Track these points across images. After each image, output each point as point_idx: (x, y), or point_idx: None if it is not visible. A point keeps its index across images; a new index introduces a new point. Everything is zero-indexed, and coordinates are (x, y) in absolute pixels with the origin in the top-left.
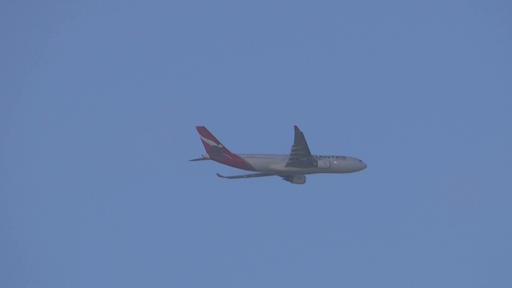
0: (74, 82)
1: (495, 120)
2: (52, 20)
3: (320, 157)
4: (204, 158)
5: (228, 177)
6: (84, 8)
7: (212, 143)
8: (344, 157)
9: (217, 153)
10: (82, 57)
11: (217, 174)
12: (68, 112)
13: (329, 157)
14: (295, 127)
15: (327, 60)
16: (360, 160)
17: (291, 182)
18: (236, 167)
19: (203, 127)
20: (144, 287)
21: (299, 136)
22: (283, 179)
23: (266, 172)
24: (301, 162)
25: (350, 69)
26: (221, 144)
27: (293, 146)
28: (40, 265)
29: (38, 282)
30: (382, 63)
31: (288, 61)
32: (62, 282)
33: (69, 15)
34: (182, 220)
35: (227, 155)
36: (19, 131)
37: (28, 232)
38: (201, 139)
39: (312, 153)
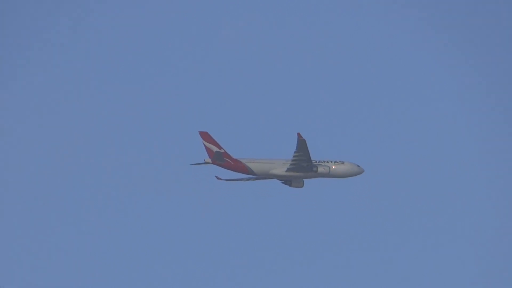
0: (76, 85)
1: (491, 125)
2: (56, 20)
3: (319, 162)
4: (206, 163)
5: (227, 180)
6: (88, 11)
7: (214, 148)
8: (342, 162)
9: (220, 158)
10: (85, 60)
11: (216, 177)
12: (70, 115)
13: (327, 162)
14: (298, 134)
15: (327, 66)
16: (358, 165)
17: (290, 186)
18: (237, 171)
19: (206, 132)
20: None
21: (301, 143)
22: (282, 182)
23: (267, 176)
24: (302, 167)
25: (348, 75)
26: (222, 149)
27: (295, 152)
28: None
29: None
30: (380, 69)
31: (288, 66)
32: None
33: (74, 15)
34: (181, 222)
35: (228, 160)
36: (19, 134)
37: (30, 235)
38: (204, 144)
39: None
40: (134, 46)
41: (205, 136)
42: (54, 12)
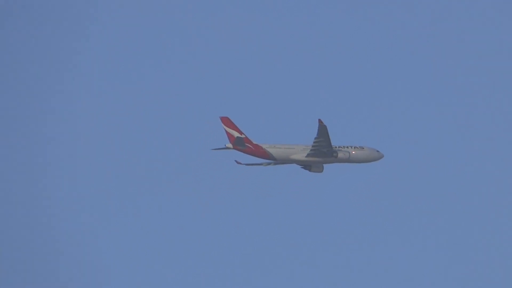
0: (96, 74)
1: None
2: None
3: (339, 147)
4: (227, 148)
5: (246, 164)
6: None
7: (235, 133)
8: (362, 147)
9: (241, 143)
10: (107, 45)
11: (236, 161)
12: (93, 102)
13: (347, 147)
14: (319, 120)
15: (347, 53)
16: (378, 150)
17: (309, 171)
18: (258, 156)
19: (227, 118)
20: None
21: (322, 129)
22: (302, 167)
23: (287, 161)
24: (322, 153)
25: (367, 61)
26: (243, 134)
27: (315, 138)
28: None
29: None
30: (401, 54)
31: (309, 53)
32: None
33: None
34: (200, 206)
35: (249, 145)
36: (35, 132)
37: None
38: (225, 129)
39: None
40: (155, 32)
41: (226, 121)
42: (55, 11)
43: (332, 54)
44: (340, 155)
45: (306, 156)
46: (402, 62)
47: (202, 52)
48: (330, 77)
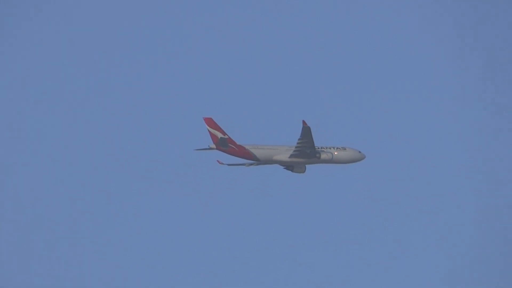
0: (83, 73)
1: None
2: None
3: (322, 148)
4: (210, 148)
5: (229, 165)
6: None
7: (219, 134)
8: (344, 148)
9: (224, 144)
10: (89, 46)
11: (218, 161)
12: (78, 105)
13: (330, 148)
14: (303, 121)
15: (329, 54)
16: (360, 151)
17: (292, 171)
18: (241, 157)
19: (210, 118)
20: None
21: (306, 131)
22: (284, 168)
23: (269, 162)
24: (305, 153)
25: (349, 63)
26: (227, 135)
27: (299, 139)
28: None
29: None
30: (383, 57)
31: (292, 55)
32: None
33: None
34: (184, 206)
35: (232, 146)
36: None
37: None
38: (208, 130)
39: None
40: (140, 33)
41: (209, 122)
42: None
43: (316, 54)
44: (323, 156)
45: (289, 157)
46: (386, 63)
47: (187, 53)
48: (311, 78)
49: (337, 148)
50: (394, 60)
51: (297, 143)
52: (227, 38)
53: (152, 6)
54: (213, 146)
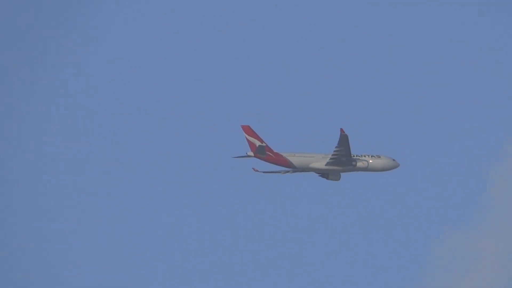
0: (122, 79)
1: None
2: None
3: (356, 156)
4: (248, 156)
5: (264, 172)
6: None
7: (257, 142)
8: (379, 156)
9: (262, 151)
10: (131, 51)
11: (253, 169)
12: (119, 109)
13: (364, 156)
14: (341, 129)
15: (368, 64)
16: (394, 159)
17: (327, 179)
18: (278, 164)
19: (248, 126)
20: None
21: (343, 139)
22: (319, 175)
23: (305, 169)
24: (341, 161)
25: (387, 71)
26: (264, 143)
27: (336, 147)
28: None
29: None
30: (420, 62)
31: (330, 63)
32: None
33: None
34: (220, 213)
35: (270, 154)
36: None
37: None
38: (246, 138)
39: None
40: (178, 39)
41: (247, 130)
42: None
43: (354, 63)
44: (359, 164)
45: (325, 165)
46: (423, 70)
47: (228, 62)
48: (348, 86)
49: (371, 156)
50: (434, 67)
51: (334, 151)
52: (266, 46)
53: (182, 18)
54: (251, 153)
